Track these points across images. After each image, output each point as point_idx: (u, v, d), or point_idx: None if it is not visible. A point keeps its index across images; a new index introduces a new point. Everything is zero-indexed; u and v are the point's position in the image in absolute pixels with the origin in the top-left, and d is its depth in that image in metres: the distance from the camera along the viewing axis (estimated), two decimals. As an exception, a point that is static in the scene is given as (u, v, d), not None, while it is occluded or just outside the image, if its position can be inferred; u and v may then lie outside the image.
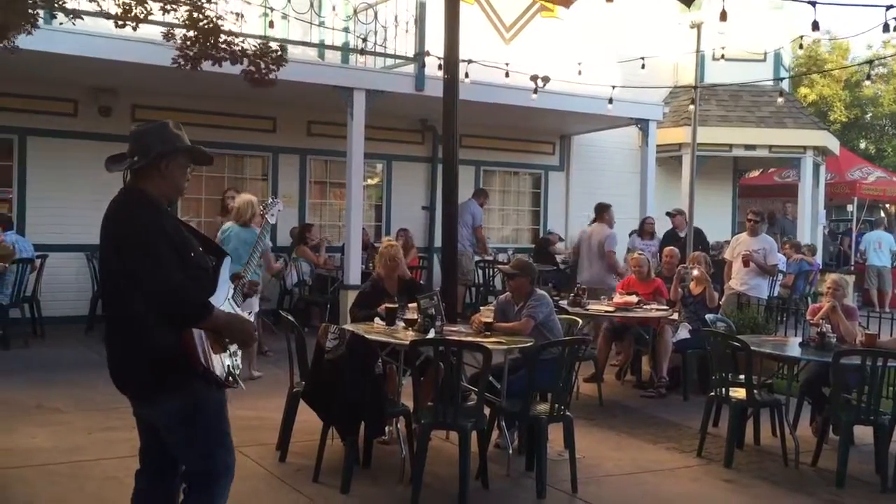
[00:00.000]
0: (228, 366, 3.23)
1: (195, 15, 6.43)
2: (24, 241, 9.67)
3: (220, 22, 6.50)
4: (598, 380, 7.76)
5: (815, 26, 7.00)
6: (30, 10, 6.04)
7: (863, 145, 29.41)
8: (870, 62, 11.24)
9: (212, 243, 3.47)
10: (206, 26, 6.46)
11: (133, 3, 6.47)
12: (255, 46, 6.92)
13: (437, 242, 11.34)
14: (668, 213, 12.29)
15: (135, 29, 6.61)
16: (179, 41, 6.75)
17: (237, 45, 6.73)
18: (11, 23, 6.01)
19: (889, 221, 20.52)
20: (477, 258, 12.80)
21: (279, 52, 7.01)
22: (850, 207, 18.65)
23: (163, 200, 3.25)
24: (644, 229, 12.35)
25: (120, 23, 6.54)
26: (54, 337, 9.55)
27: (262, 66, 6.88)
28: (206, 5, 6.49)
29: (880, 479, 5.55)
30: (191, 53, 6.72)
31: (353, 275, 10.41)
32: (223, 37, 6.54)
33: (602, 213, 10.18)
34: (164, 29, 7.07)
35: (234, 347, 3.29)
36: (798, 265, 12.99)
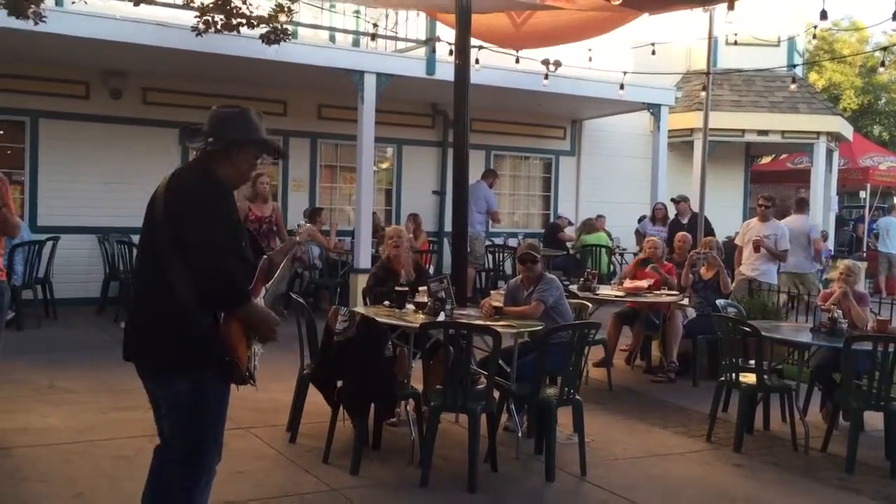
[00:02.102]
0: (251, 363, 3.22)
1: None
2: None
3: None
4: (608, 364, 7.76)
5: (824, 15, 6.92)
6: None
7: (877, 131, 29.18)
8: (884, 48, 11.08)
9: (254, 241, 3.45)
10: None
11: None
12: (269, 12, 7.02)
13: (448, 227, 11.36)
14: (672, 200, 12.28)
15: (149, 3, 6.67)
16: (198, 8, 6.84)
17: (251, 11, 6.82)
18: None
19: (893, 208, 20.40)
20: (487, 243, 12.80)
21: (290, 7, 7.10)
22: (862, 194, 18.53)
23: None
24: (655, 215, 12.32)
25: (136, 3, 6.60)
26: (66, 318, 9.61)
27: (280, 26, 7.00)
28: None
29: (890, 465, 5.54)
30: (210, 19, 6.82)
31: (364, 258, 10.43)
32: (235, 4, 6.63)
33: (801, 206, 11.01)
34: (180, 3, 7.16)
35: (257, 347, 3.26)
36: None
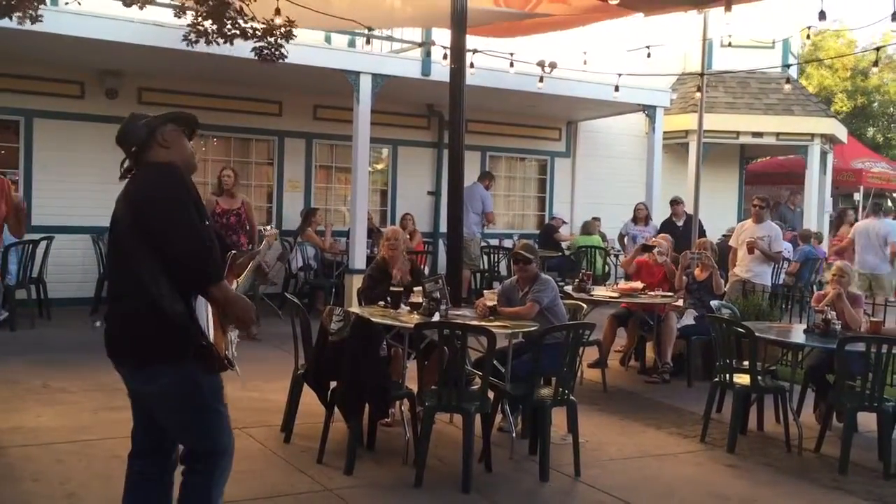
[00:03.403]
0: (229, 350, 3.23)
1: None
2: None
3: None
4: (603, 365, 7.77)
5: (822, 16, 6.94)
6: None
7: (870, 133, 29.28)
8: (878, 48, 11.13)
9: (220, 237, 3.45)
10: (215, 4, 6.50)
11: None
12: (263, 23, 6.96)
13: (443, 228, 11.37)
14: (671, 202, 12.34)
15: (141, 8, 6.64)
16: (191, 18, 6.79)
17: (247, 22, 6.77)
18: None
19: (891, 211, 20.42)
20: (483, 244, 12.82)
21: (288, 28, 7.04)
22: (856, 196, 18.60)
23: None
24: (637, 215, 12.38)
25: (127, 4, 6.56)
26: (60, 318, 9.60)
27: (273, 41, 6.93)
28: None
29: (883, 466, 5.56)
30: (202, 29, 6.77)
31: (359, 259, 10.43)
32: (231, 13, 6.57)
33: (878, 209, 12.16)
34: (175, 5, 7.11)
35: (233, 335, 3.28)
36: (804, 253, 12.95)
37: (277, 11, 6.99)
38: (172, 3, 7.60)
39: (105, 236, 10.20)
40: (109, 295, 3.39)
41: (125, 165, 3.26)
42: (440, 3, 7.80)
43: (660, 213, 12.87)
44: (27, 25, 6.47)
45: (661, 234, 9.47)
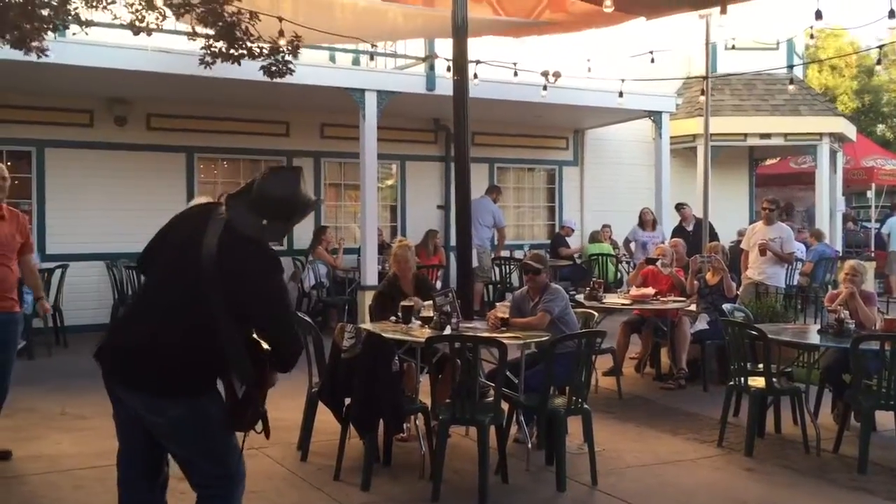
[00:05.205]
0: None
1: (217, 10, 6.57)
2: None
3: (235, 18, 6.64)
4: (618, 373, 7.74)
5: (819, 15, 6.95)
6: (45, 18, 6.17)
7: (879, 130, 29.14)
8: (880, 46, 11.13)
9: None
10: (224, 25, 6.62)
11: (145, 12, 6.59)
12: (269, 42, 7.07)
13: (454, 241, 11.39)
14: (676, 207, 12.32)
15: (149, 35, 6.73)
16: (203, 41, 6.90)
17: (254, 41, 6.87)
18: (28, 31, 6.13)
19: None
20: (493, 255, 12.83)
21: (295, 44, 7.14)
22: (868, 194, 18.50)
23: None
24: (643, 219, 12.36)
25: (135, 32, 6.66)
26: (77, 345, 9.64)
27: (281, 57, 7.04)
28: (222, 7, 6.63)
29: (903, 465, 5.52)
30: (216, 50, 6.88)
31: (371, 275, 10.46)
32: (239, 34, 6.67)
33: None
34: (185, 30, 7.22)
35: None
36: (818, 252, 12.88)
37: (281, 33, 7.08)
38: (179, 30, 7.71)
39: (119, 262, 10.30)
40: (143, 310, 3.23)
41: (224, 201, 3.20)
42: (441, 15, 7.86)
43: (670, 219, 12.85)
44: (34, 58, 6.57)
45: (674, 240, 9.45)
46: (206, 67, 7.08)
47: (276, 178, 3.18)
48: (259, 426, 3.18)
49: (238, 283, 3.04)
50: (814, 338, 6.26)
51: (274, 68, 7.28)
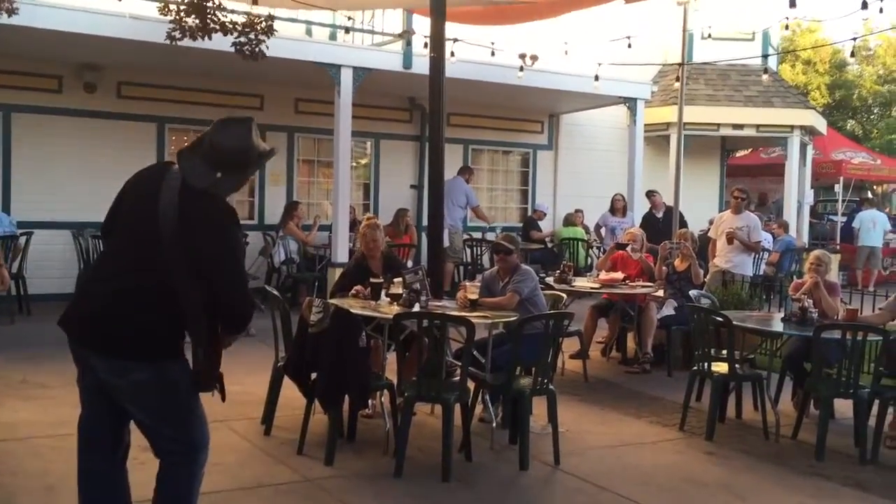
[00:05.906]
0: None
1: None
2: (2, 215, 9.69)
3: None
4: (584, 356, 7.81)
5: (792, 3, 7.01)
6: None
7: (849, 126, 29.50)
8: (853, 39, 11.24)
9: None
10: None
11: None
12: (243, 18, 6.96)
13: (426, 220, 11.36)
14: (647, 194, 12.39)
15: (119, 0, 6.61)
16: (174, 14, 6.77)
17: (226, 16, 6.76)
18: None
19: (875, 202, 20.62)
20: (465, 237, 12.84)
21: (269, 23, 7.03)
22: (836, 187, 18.73)
23: None
24: (614, 206, 12.43)
25: None
26: (40, 314, 9.51)
27: (253, 36, 6.92)
28: None
29: (859, 452, 5.63)
30: (186, 25, 6.75)
31: (342, 253, 10.42)
32: (210, 6, 6.56)
33: None
34: (157, 4, 7.08)
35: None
36: (784, 242, 13.05)
37: (255, 1, 6.97)
38: (153, -1, 7.59)
39: (85, 231, 10.16)
40: (105, 274, 3.16)
41: (184, 154, 3.13)
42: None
43: (643, 206, 12.92)
44: (3, 19, 6.42)
45: (631, 229, 9.48)
46: (172, 42, 6.96)
47: (228, 130, 3.13)
48: (215, 391, 3.17)
49: (195, 236, 3.01)
50: (777, 326, 6.34)
51: (247, 49, 7.17)
